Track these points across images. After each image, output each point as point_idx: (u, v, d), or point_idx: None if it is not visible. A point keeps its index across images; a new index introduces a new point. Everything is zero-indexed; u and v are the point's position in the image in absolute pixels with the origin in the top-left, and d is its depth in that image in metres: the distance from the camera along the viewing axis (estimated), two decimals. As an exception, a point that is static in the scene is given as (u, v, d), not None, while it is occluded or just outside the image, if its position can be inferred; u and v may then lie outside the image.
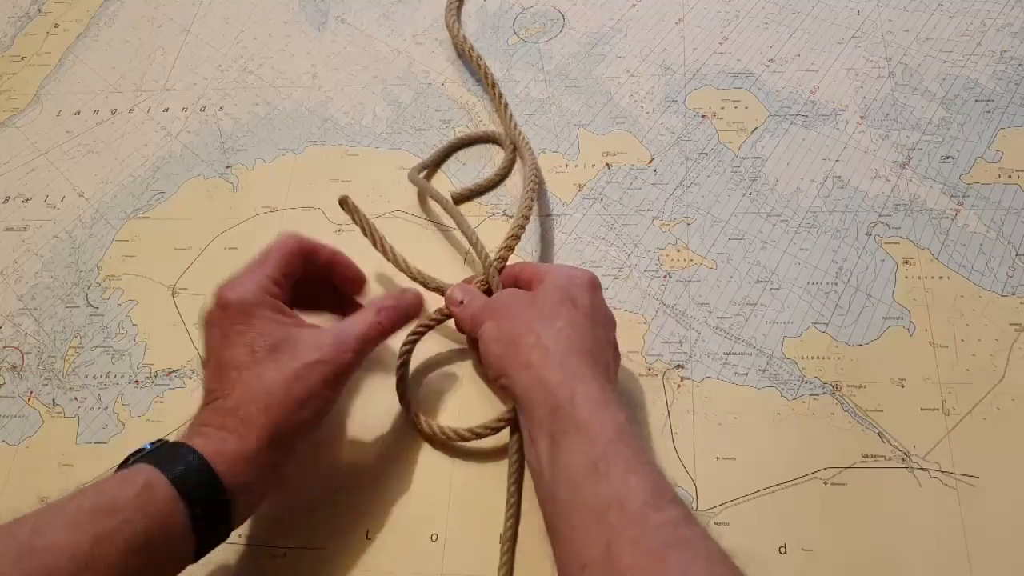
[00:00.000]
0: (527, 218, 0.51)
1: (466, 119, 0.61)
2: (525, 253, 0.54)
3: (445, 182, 0.58)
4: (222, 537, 0.39)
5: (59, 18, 0.74)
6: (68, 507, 0.34)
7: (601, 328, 0.42)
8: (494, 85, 0.60)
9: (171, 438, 0.40)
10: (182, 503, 0.35)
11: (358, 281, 0.49)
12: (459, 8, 0.68)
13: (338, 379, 0.41)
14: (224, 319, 0.41)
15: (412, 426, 0.48)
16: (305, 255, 0.45)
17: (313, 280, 0.47)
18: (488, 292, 0.48)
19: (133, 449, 0.39)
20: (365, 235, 0.49)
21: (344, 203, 0.49)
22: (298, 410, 0.39)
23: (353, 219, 0.49)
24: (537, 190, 0.54)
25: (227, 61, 0.68)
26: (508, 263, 0.50)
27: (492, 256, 0.49)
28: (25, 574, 0.32)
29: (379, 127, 0.62)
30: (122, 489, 0.35)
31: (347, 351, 0.41)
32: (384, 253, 0.49)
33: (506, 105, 0.59)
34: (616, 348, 0.45)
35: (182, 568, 0.37)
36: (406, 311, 0.46)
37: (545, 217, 0.56)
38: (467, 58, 0.63)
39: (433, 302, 0.50)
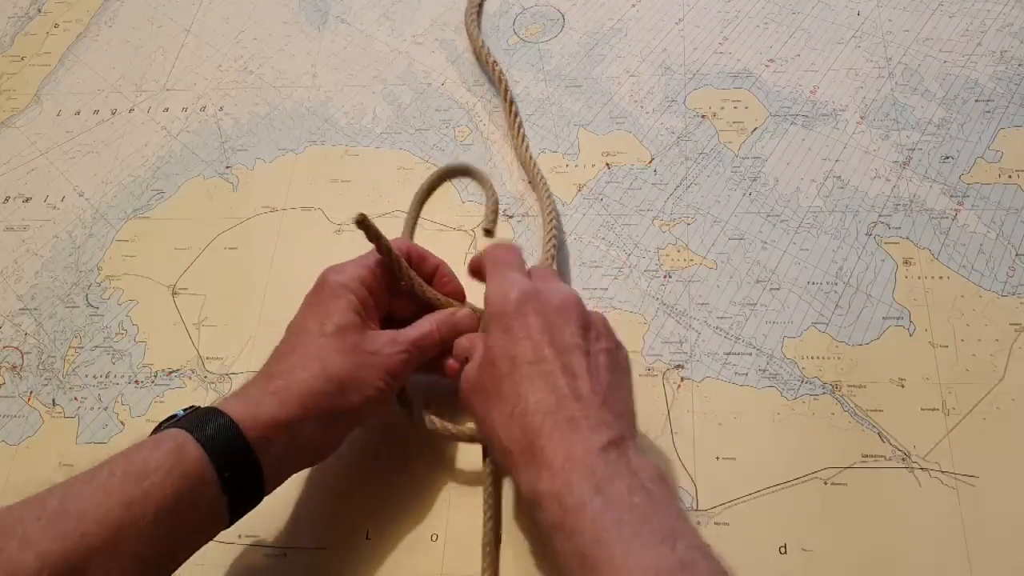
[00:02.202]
0: (553, 258, 0.51)
1: (466, 119, 0.61)
2: (526, 254, 0.54)
3: (450, 188, 0.58)
4: (254, 502, 0.39)
5: (59, 18, 0.74)
6: (99, 474, 0.35)
7: (550, 355, 0.38)
8: (512, 103, 0.60)
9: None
10: (212, 468, 0.36)
11: (458, 295, 0.49)
12: (479, 14, 0.67)
13: (390, 373, 0.42)
14: (316, 292, 0.44)
15: (414, 425, 0.48)
16: (411, 258, 0.47)
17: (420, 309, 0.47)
18: None
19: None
20: (383, 258, 0.45)
21: (362, 223, 0.43)
22: (344, 392, 0.40)
23: (369, 237, 0.44)
24: (558, 237, 0.52)
25: (227, 61, 0.68)
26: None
27: None
28: (56, 539, 0.32)
29: (379, 127, 0.62)
30: (152, 454, 0.36)
31: (400, 351, 0.43)
32: (407, 279, 0.46)
33: (521, 126, 0.59)
34: (584, 332, 0.40)
35: (216, 532, 0.38)
36: (456, 326, 0.46)
37: (545, 217, 0.56)
38: (489, 70, 0.62)
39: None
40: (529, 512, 0.37)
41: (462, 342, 0.45)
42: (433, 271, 0.48)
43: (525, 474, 0.36)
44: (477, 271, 0.46)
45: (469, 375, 0.42)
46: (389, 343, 0.43)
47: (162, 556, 0.35)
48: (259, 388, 0.40)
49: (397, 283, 0.46)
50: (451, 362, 0.46)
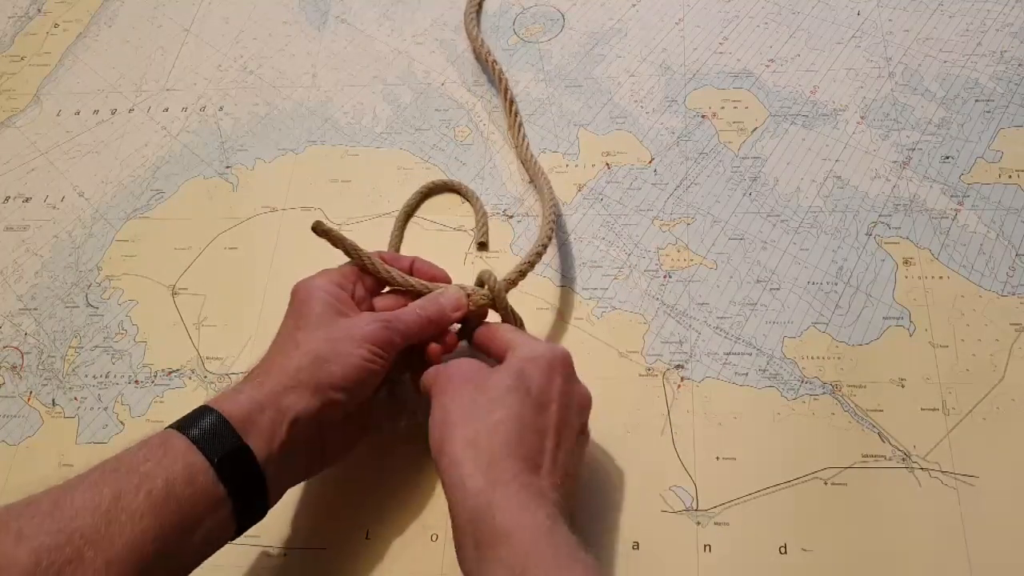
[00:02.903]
0: (545, 247, 0.50)
1: (466, 119, 0.61)
2: (524, 252, 0.54)
3: (454, 198, 0.58)
4: (259, 496, 0.39)
5: (59, 18, 0.74)
6: (91, 473, 0.36)
7: (555, 413, 0.40)
8: (512, 102, 0.60)
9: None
10: (201, 455, 0.36)
11: (442, 279, 0.49)
12: (478, 14, 0.67)
13: (370, 341, 0.41)
14: (290, 304, 0.44)
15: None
16: (383, 261, 0.47)
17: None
18: (492, 307, 0.47)
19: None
20: (353, 260, 0.46)
21: (318, 228, 0.45)
22: (324, 363, 0.40)
23: (332, 243, 0.45)
24: (556, 224, 0.52)
25: (227, 61, 0.68)
26: (518, 284, 0.49)
27: (502, 276, 0.48)
28: (50, 533, 0.33)
29: (379, 127, 0.62)
30: (140, 451, 0.37)
31: (379, 319, 0.43)
32: (384, 273, 0.46)
33: (521, 125, 0.59)
34: (582, 430, 0.43)
35: (223, 530, 0.38)
36: (443, 303, 0.46)
37: (545, 217, 0.55)
38: (489, 69, 0.62)
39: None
40: (469, 511, 0.37)
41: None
42: (409, 266, 0.48)
43: (482, 477, 0.37)
44: (490, 340, 0.46)
45: (463, 364, 0.42)
46: (366, 316, 0.43)
47: (162, 553, 0.35)
48: (239, 383, 0.41)
49: (379, 286, 0.46)
50: (434, 345, 0.45)
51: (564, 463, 0.40)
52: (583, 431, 0.43)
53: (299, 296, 0.44)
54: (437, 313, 0.45)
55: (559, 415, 0.40)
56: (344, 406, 0.41)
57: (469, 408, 0.40)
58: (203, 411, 0.38)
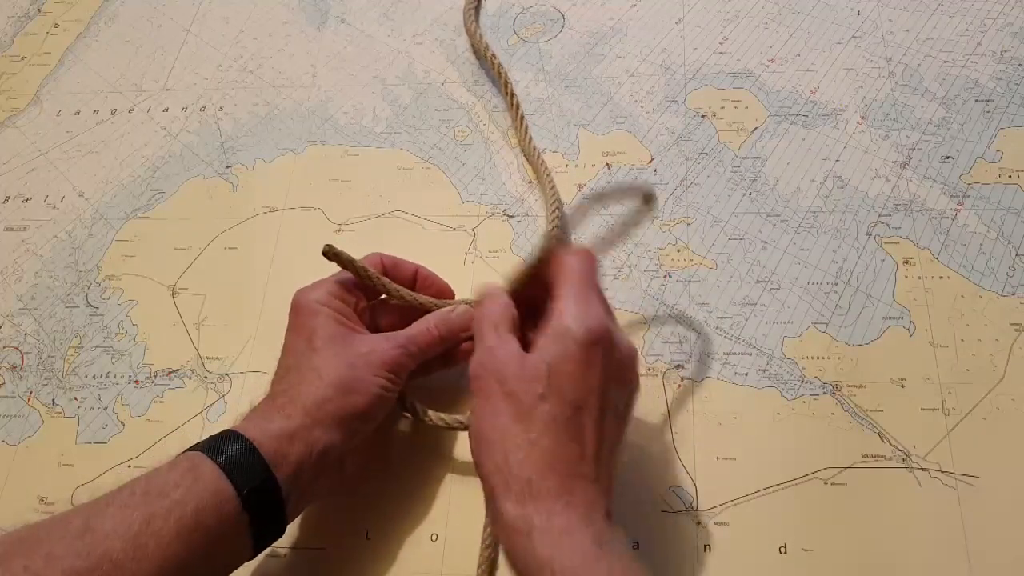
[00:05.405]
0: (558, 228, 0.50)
1: (466, 119, 0.61)
2: (523, 253, 0.54)
3: (450, 188, 0.58)
4: (277, 523, 0.39)
5: (59, 18, 0.74)
6: (121, 493, 0.36)
7: (595, 408, 0.37)
8: (512, 95, 0.60)
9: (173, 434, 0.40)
10: (230, 485, 0.37)
11: (445, 292, 0.49)
12: (477, 10, 0.67)
13: (389, 368, 0.42)
14: (293, 318, 0.44)
15: (407, 416, 0.48)
16: (386, 269, 0.47)
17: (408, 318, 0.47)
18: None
19: (132, 450, 0.40)
20: (363, 281, 0.45)
21: (329, 252, 0.44)
22: (348, 394, 0.40)
23: (342, 265, 0.45)
24: (560, 219, 0.52)
25: (227, 61, 0.68)
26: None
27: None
28: (80, 555, 0.33)
29: (379, 127, 0.62)
30: (170, 475, 0.37)
31: (395, 345, 0.43)
32: (395, 294, 0.46)
33: (523, 118, 0.59)
34: (629, 396, 0.40)
35: (240, 555, 0.38)
36: (454, 323, 0.46)
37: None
38: (488, 64, 0.62)
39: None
40: (508, 539, 0.35)
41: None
42: (412, 276, 0.48)
43: (518, 505, 0.35)
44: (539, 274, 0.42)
45: (505, 364, 0.38)
46: (383, 340, 0.43)
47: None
48: (265, 408, 0.41)
49: (375, 294, 0.47)
50: (468, 345, 0.46)
51: (609, 456, 0.37)
52: (630, 396, 0.40)
53: (303, 313, 0.43)
54: (449, 332, 0.46)
55: (599, 405, 0.37)
56: (364, 433, 0.42)
57: (503, 426, 0.37)
58: (232, 436, 0.38)
